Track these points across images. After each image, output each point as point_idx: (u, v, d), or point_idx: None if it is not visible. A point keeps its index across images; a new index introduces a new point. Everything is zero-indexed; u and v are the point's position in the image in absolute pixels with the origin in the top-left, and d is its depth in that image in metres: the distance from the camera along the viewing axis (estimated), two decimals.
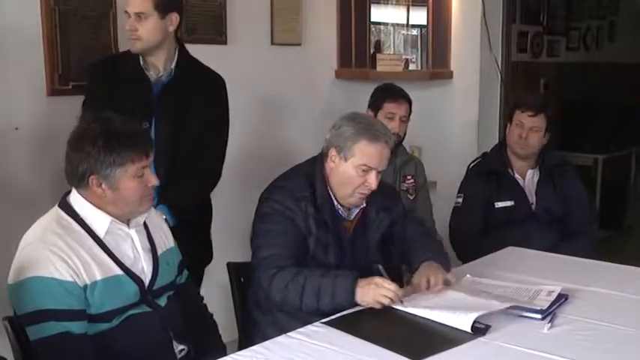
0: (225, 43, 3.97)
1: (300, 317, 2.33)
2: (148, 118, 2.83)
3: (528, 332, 2.15)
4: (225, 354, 2.08)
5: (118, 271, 2.12)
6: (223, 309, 2.72)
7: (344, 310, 2.29)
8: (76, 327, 2.02)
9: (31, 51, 3.16)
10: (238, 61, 4.01)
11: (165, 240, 2.35)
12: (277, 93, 4.21)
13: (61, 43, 3.24)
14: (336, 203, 2.56)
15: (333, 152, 2.52)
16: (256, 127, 4.14)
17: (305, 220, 2.49)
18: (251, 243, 2.56)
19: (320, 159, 2.60)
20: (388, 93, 3.52)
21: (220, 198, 3.25)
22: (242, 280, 2.74)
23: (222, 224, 3.36)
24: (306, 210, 2.49)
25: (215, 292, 2.94)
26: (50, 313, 1.99)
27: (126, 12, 2.84)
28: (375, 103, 3.51)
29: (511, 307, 2.29)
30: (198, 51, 3.76)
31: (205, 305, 2.53)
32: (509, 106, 3.66)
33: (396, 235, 2.70)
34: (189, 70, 2.97)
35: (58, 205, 2.16)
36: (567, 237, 3.43)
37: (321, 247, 2.51)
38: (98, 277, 2.07)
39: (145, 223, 2.27)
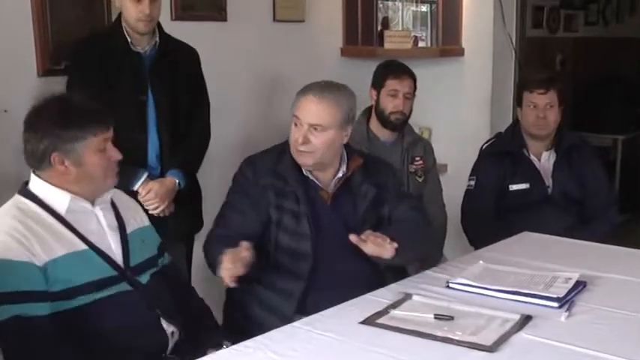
0: (225, 19, 3.95)
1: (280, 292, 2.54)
2: (144, 90, 3.08)
3: (545, 321, 2.14)
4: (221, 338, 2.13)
5: (83, 246, 2.15)
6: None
7: None
8: (33, 309, 2.02)
9: (19, 29, 3.14)
10: (239, 38, 4.00)
11: (138, 219, 2.40)
12: (280, 72, 4.18)
13: (52, 20, 3.21)
14: (305, 172, 2.65)
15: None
16: (258, 107, 4.13)
17: (263, 191, 2.61)
18: None
19: None
20: (389, 69, 3.50)
21: (222, 177, 3.23)
22: None
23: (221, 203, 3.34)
24: (263, 183, 2.62)
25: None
26: (3, 297, 2.00)
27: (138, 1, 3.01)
28: (377, 81, 3.50)
29: (526, 295, 2.28)
30: (197, 28, 3.76)
31: (194, 289, 2.60)
32: (517, 87, 3.62)
33: (385, 215, 2.72)
34: (170, 44, 3.22)
35: (18, 193, 2.21)
36: (585, 221, 3.42)
37: (288, 215, 2.59)
38: (60, 252, 2.09)
39: (113, 203, 2.31)
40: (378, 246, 2.40)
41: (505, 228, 3.18)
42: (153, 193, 3.01)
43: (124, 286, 2.20)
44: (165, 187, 3.06)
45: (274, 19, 4.23)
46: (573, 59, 6.41)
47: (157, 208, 3.02)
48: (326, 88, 2.63)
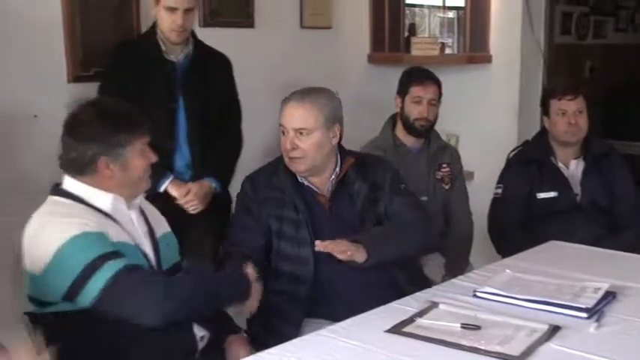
0: (252, 26, 3.97)
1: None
2: (175, 98, 3.15)
3: (574, 332, 2.11)
4: None
5: (131, 241, 2.19)
6: None
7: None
8: (131, 260, 2.09)
9: (51, 36, 3.18)
10: (266, 45, 4.02)
11: (162, 224, 2.43)
12: (307, 79, 4.14)
13: (82, 27, 3.25)
14: (300, 179, 2.70)
15: None
16: None
17: (262, 204, 2.68)
18: None
19: None
20: (413, 76, 3.50)
21: None
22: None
23: None
24: (264, 195, 2.69)
25: None
26: (101, 259, 2.03)
27: (171, 8, 3.07)
28: (402, 88, 3.50)
29: (554, 305, 2.26)
30: (224, 35, 3.78)
31: None
32: (543, 95, 3.59)
33: (381, 212, 2.73)
34: (203, 53, 3.27)
35: (52, 194, 2.22)
36: (614, 230, 3.38)
37: (289, 224, 2.65)
38: (121, 239, 2.14)
39: (140, 208, 2.34)
40: (341, 253, 2.44)
41: (532, 237, 3.16)
42: (192, 195, 3.09)
43: None
44: (203, 190, 3.14)
45: (301, 26, 4.24)
46: (603, 66, 6.35)
47: (195, 208, 3.11)
48: (306, 92, 2.69)
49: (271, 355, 1.99)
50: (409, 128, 3.47)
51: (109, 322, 2.08)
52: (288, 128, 2.64)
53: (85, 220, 2.10)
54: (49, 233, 2.08)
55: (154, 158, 2.27)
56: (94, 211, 2.16)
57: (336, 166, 2.73)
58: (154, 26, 3.18)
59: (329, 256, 2.52)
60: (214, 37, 3.72)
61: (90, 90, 3.21)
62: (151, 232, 2.32)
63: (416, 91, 3.44)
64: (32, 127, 3.12)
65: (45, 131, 3.15)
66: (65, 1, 3.18)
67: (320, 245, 2.44)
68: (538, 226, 3.36)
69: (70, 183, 2.21)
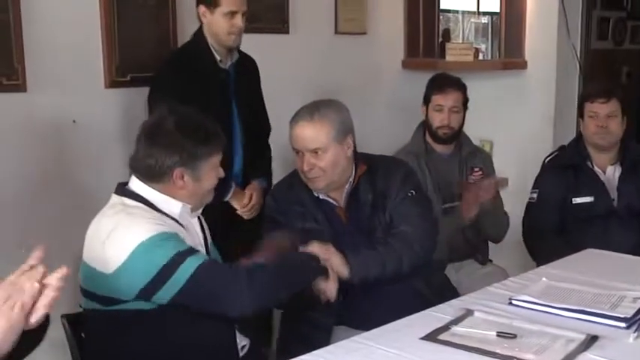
0: (287, 32, 3.98)
1: None
2: (230, 104, 3.23)
3: (612, 342, 2.07)
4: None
5: (201, 249, 2.22)
6: None
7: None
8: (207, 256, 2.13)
9: (89, 42, 3.21)
10: (301, 51, 4.03)
11: (208, 233, 2.42)
12: (341, 84, 4.18)
13: (119, 33, 3.27)
14: (316, 193, 2.66)
15: None
16: None
17: (288, 217, 2.65)
18: None
19: None
20: (434, 84, 3.48)
21: None
22: None
23: None
24: (285, 208, 2.67)
25: None
26: (182, 254, 2.05)
27: (232, 12, 3.15)
28: (426, 96, 3.49)
29: (592, 314, 2.22)
30: (260, 41, 3.79)
31: None
32: (579, 100, 3.57)
33: (388, 221, 2.67)
34: (245, 59, 3.36)
35: (118, 194, 2.22)
36: None
37: (313, 237, 2.54)
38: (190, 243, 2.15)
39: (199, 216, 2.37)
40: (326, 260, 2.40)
41: (568, 242, 3.14)
42: (255, 199, 3.21)
43: None
44: (260, 194, 3.24)
45: (336, 32, 4.25)
46: None
47: (252, 214, 3.22)
48: (314, 109, 2.60)
49: None
50: (433, 136, 3.46)
51: (159, 327, 2.10)
52: (302, 150, 2.59)
53: (160, 221, 2.12)
54: (122, 235, 2.07)
55: (222, 174, 2.29)
56: (163, 215, 2.17)
57: (350, 176, 2.69)
58: (202, 35, 3.19)
59: None
60: (249, 44, 3.72)
61: (126, 96, 3.26)
62: (205, 240, 2.35)
63: (437, 99, 3.42)
64: (71, 132, 3.15)
65: (83, 135, 3.19)
66: (104, 9, 3.21)
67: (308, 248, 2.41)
68: (574, 231, 3.33)
69: (137, 185, 2.21)
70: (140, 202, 2.18)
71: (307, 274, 2.33)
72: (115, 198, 2.22)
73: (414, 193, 2.71)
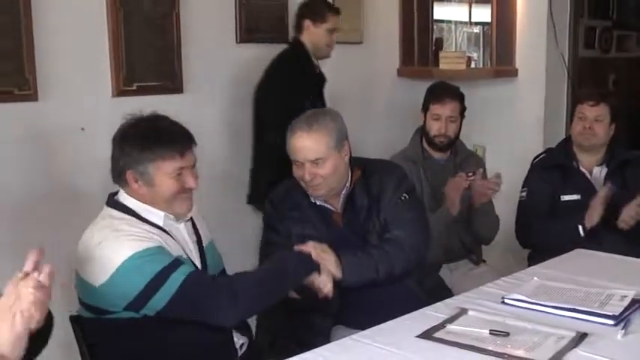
0: (286, 42, 3.96)
1: None
2: (320, 100, 3.63)
3: (601, 339, 2.06)
4: None
5: (184, 255, 2.19)
6: None
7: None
8: (191, 267, 2.12)
9: (97, 53, 3.22)
10: None
11: (207, 233, 2.41)
12: (340, 91, 4.19)
13: (126, 44, 3.28)
14: (313, 199, 2.64)
15: None
16: None
17: (285, 222, 2.62)
18: None
19: None
20: (433, 94, 3.47)
21: None
22: None
23: None
24: (283, 214, 2.63)
25: None
26: (165, 271, 2.04)
27: (334, 29, 3.66)
28: (424, 105, 3.48)
29: (582, 312, 2.22)
30: (259, 50, 3.80)
31: None
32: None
33: (382, 223, 2.65)
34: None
35: (108, 205, 2.22)
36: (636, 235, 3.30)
37: (311, 239, 2.51)
38: (175, 253, 2.13)
39: (191, 218, 2.33)
40: (321, 262, 2.37)
41: (555, 226, 3.23)
42: None
43: None
44: None
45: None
46: (626, 79, 6.28)
47: None
48: (312, 120, 2.57)
49: (305, 359, 1.96)
50: (430, 143, 3.46)
51: (156, 330, 2.09)
52: (302, 161, 2.54)
53: (144, 234, 2.09)
54: (107, 251, 2.06)
55: (191, 184, 2.19)
56: (149, 225, 2.16)
57: (347, 181, 2.66)
58: (301, 43, 3.68)
59: None
60: (250, 53, 3.76)
61: (132, 104, 3.21)
62: (199, 242, 2.32)
63: (435, 108, 3.41)
64: (80, 139, 3.15)
65: (91, 143, 3.19)
66: (112, 22, 3.22)
67: (303, 247, 2.38)
68: None
69: (123, 195, 2.21)
70: (126, 212, 2.17)
71: (297, 273, 2.30)
72: (105, 209, 2.22)
73: (407, 197, 2.68)
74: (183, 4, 3.46)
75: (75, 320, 2.22)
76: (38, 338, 1.69)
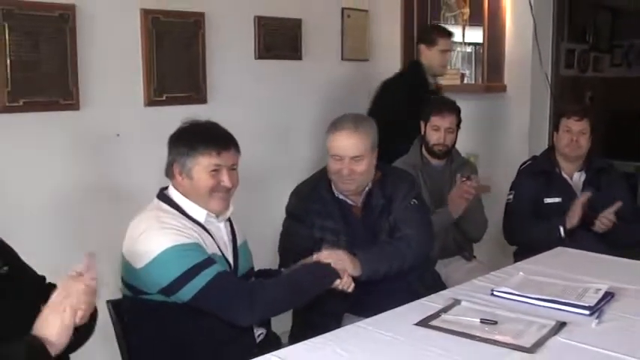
0: (300, 58, 3.99)
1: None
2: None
3: (578, 327, 2.08)
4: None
5: (219, 252, 2.19)
6: None
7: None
8: (221, 267, 2.11)
9: (131, 67, 3.23)
10: (312, 74, 4.04)
11: (243, 233, 2.40)
12: (346, 103, 4.18)
13: (157, 60, 3.29)
14: (337, 194, 2.66)
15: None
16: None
17: (308, 213, 2.62)
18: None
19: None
20: (434, 106, 3.47)
21: None
22: None
23: None
24: (308, 206, 2.63)
25: None
26: (197, 267, 2.04)
27: (445, 50, 3.84)
28: (424, 115, 3.47)
29: (561, 303, 2.23)
30: (276, 66, 3.82)
31: None
32: (555, 115, 3.59)
33: (392, 224, 2.67)
34: None
35: (158, 197, 2.23)
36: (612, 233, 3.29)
37: (330, 233, 2.59)
38: (210, 251, 2.14)
39: (229, 217, 2.33)
40: (338, 264, 2.35)
41: (539, 226, 3.26)
42: None
43: None
44: None
45: (342, 58, 4.26)
46: (601, 96, 6.29)
47: None
48: (358, 121, 2.61)
49: (315, 343, 1.97)
50: (429, 151, 3.46)
51: (184, 315, 2.10)
52: (344, 156, 2.57)
53: (184, 230, 2.11)
54: (150, 238, 2.08)
55: (226, 182, 2.19)
56: (191, 222, 2.17)
57: (369, 181, 2.69)
58: (419, 64, 3.87)
59: None
60: (268, 68, 3.77)
61: (162, 112, 3.27)
62: (234, 241, 2.32)
63: (435, 120, 3.40)
64: (116, 144, 3.17)
65: (125, 147, 3.21)
66: (145, 40, 3.23)
67: (320, 256, 2.36)
68: None
69: (171, 190, 2.23)
70: (172, 206, 2.19)
71: (319, 285, 2.28)
72: (155, 201, 2.23)
73: (415, 202, 2.72)
74: (208, 25, 3.47)
75: (113, 304, 2.25)
76: (83, 332, 1.71)
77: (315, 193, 2.67)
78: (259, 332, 2.30)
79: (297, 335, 2.39)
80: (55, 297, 1.59)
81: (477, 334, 2.00)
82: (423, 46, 3.89)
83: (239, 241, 2.34)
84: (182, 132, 2.21)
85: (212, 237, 2.20)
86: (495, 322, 2.09)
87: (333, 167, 2.61)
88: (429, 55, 3.84)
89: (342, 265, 2.35)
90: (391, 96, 3.83)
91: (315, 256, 2.37)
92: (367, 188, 2.68)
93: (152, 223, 2.12)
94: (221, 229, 2.27)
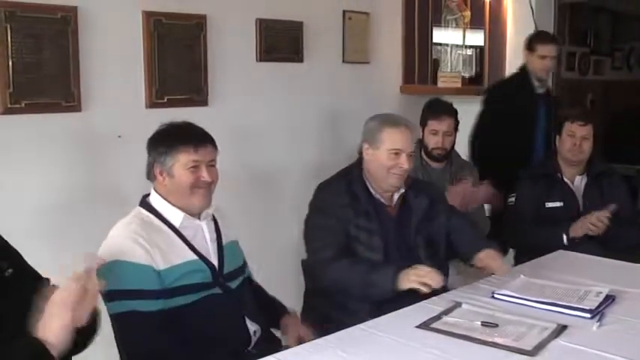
0: (301, 61, 3.98)
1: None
2: (534, 116, 3.99)
3: (578, 330, 2.09)
4: None
5: (193, 256, 2.18)
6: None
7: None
8: (145, 305, 2.05)
9: (133, 69, 3.22)
10: (313, 77, 4.03)
11: (232, 231, 2.40)
12: (347, 105, 4.20)
13: (159, 62, 3.29)
14: (374, 192, 2.66)
15: (365, 146, 2.67)
16: (328, 137, 4.14)
17: (343, 211, 2.58)
18: (304, 237, 2.69)
19: (358, 160, 2.73)
20: (431, 111, 3.47)
21: (297, 197, 3.25)
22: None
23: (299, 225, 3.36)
24: (342, 203, 2.60)
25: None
26: (123, 293, 2.04)
27: (545, 56, 3.94)
28: (422, 120, 3.48)
29: (562, 306, 2.24)
30: (278, 68, 3.81)
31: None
32: (558, 119, 3.58)
33: (441, 226, 2.70)
34: (551, 93, 4.25)
35: (139, 205, 2.26)
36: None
37: (364, 232, 2.58)
38: (175, 262, 2.13)
39: (214, 216, 2.33)
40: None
41: (542, 232, 3.24)
42: None
43: (217, 290, 2.21)
44: None
45: (343, 61, 4.24)
46: (601, 98, 6.29)
47: None
48: (406, 120, 2.68)
49: (318, 345, 1.99)
50: (428, 154, 3.47)
51: (172, 325, 2.09)
52: (404, 151, 2.59)
53: (146, 244, 2.09)
54: (108, 244, 2.13)
55: (206, 177, 2.20)
56: (166, 227, 2.19)
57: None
58: (526, 69, 4.00)
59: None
60: (269, 70, 3.76)
61: (163, 114, 3.20)
62: (219, 239, 2.31)
63: (433, 124, 3.41)
64: (117, 145, 3.17)
65: (127, 149, 3.21)
66: (146, 43, 3.23)
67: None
68: None
69: (152, 196, 2.25)
70: (151, 212, 2.21)
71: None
72: (135, 209, 2.26)
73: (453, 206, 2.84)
74: (209, 27, 3.46)
75: None
76: (85, 334, 1.72)
77: (350, 188, 2.65)
78: (254, 329, 2.27)
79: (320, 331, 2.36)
80: (55, 298, 1.60)
81: (478, 337, 2.01)
82: (526, 52, 4.04)
83: (224, 240, 2.33)
84: (160, 133, 2.26)
85: (187, 241, 2.19)
86: (496, 325, 2.10)
87: (388, 162, 2.60)
88: (530, 61, 3.99)
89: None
90: (496, 95, 4.08)
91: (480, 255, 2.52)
92: (403, 189, 2.69)
93: (121, 234, 2.14)
94: (203, 229, 2.27)
